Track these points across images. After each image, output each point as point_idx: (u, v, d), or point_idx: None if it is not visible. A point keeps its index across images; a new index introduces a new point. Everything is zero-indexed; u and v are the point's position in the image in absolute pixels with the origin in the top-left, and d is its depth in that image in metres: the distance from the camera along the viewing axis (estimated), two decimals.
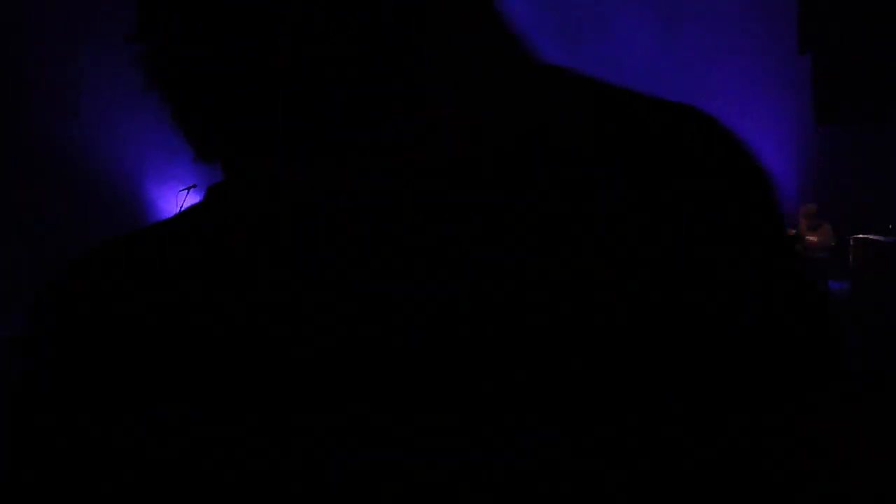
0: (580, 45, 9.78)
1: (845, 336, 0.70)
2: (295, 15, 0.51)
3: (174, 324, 0.55)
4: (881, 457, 0.59)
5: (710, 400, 0.56)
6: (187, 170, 9.33)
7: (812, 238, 8.85)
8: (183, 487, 0.53)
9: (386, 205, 0.54)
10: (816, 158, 9.98)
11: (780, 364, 0.59)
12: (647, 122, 0.60)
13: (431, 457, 0.52)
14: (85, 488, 0.55)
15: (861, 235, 7.85)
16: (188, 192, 8.69)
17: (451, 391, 0.52)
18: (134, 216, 10.00)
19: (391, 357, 0.52)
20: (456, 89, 0.55)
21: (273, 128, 0.53)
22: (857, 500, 0.58)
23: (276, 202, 0.57)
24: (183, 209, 0.65)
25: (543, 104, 0.60)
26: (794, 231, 8.97)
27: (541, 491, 0.52)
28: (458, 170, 0.55)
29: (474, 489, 0.51)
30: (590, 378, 0.53)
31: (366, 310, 0.53)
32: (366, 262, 0.54)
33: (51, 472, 0.56)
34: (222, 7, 0.52)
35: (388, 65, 0.52)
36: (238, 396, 0.53)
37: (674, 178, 0.58)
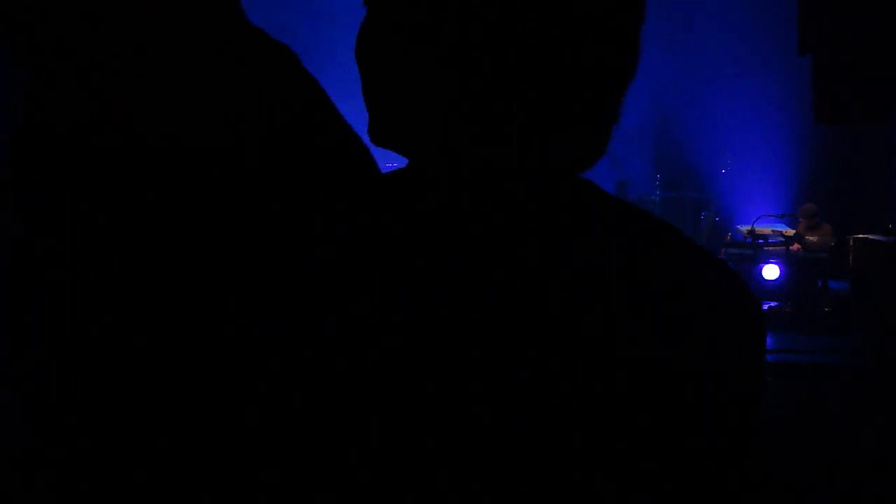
0: None
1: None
2: None
3: None
4: None
5: None
6: None
7: (812, 238, 8.85)
8: None
9: None
10: (816, 158, 9.98)
11: None
12: None
13: None
14: None
15: (861, 235, 7.85)
16: None
17: None
18: None
19: None
20: None
21: None
22: None
23: None
24: None
25: None
26: (793, 231, 8.97)
27: None
28: None
29: None
30: None
31: None
32: None
33: None
34: None
35: None
36: None
37: None
